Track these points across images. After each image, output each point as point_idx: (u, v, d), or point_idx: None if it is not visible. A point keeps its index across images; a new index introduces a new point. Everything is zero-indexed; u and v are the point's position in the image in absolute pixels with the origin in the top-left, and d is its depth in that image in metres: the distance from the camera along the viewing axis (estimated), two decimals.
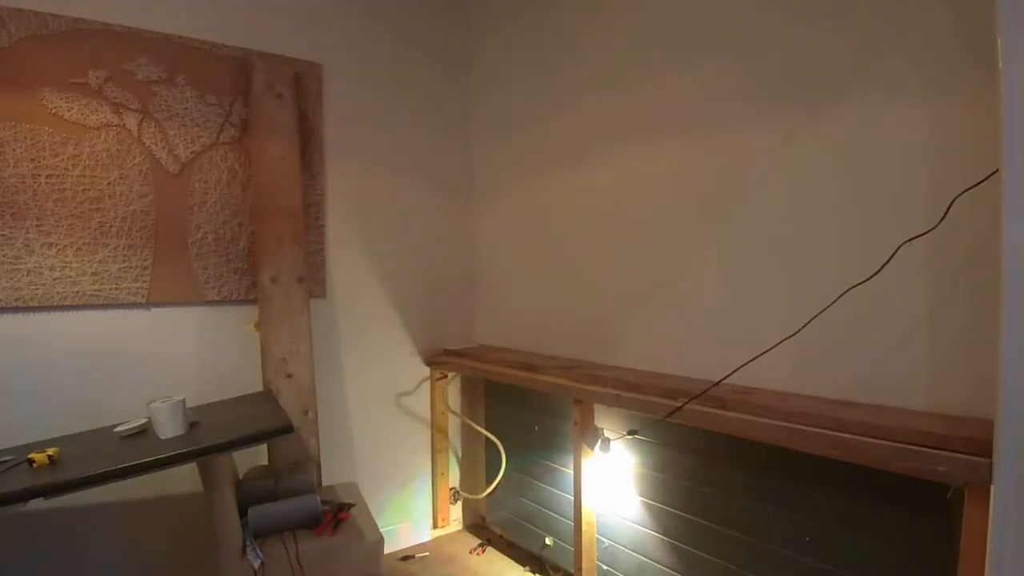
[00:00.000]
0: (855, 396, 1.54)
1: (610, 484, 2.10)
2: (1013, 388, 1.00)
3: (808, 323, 1.52)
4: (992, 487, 1.05)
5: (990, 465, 1.07)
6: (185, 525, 2.12)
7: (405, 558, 2.57)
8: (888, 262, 1.40)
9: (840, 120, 1.56)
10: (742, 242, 1.79)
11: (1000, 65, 1.00)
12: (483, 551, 2.59)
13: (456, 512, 2.88)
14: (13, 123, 1.85)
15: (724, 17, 1.81)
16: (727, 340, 1.81)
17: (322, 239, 2.44)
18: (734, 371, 1.65)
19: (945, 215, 1.32)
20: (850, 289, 1.47)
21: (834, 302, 1.49)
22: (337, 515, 1.89)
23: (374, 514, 2.03)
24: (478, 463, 2.83)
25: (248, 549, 1.69)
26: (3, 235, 1.84)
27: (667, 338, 2.02)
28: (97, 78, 1.97)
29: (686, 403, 1.65)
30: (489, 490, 2.67)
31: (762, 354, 1.60)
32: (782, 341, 1.57)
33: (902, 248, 1.39)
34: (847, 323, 1.53)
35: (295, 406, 2.21)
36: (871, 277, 1.42)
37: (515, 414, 2.55)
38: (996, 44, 1.01)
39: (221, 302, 2.23)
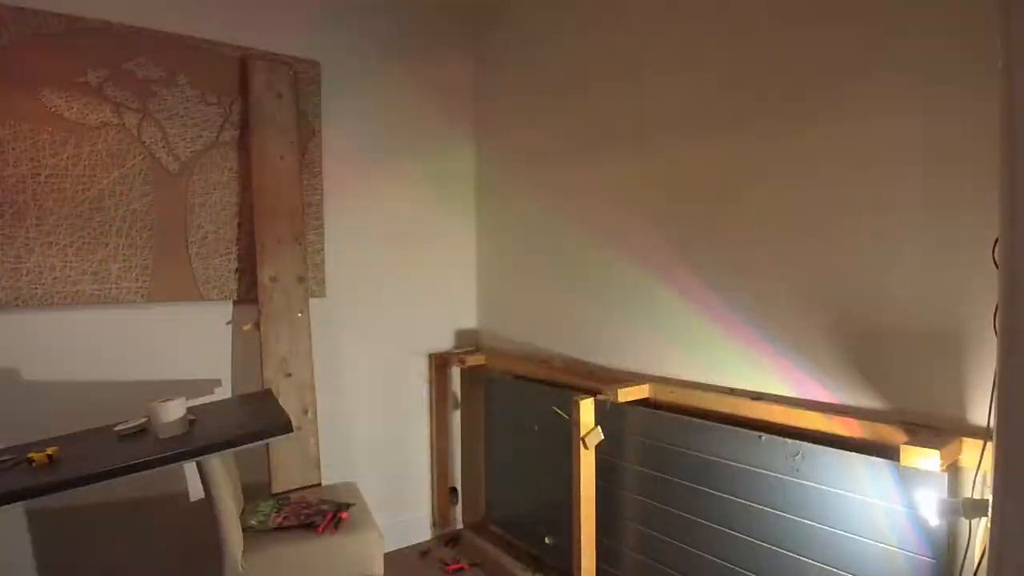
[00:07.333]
0: (854, 397, 1.53)
1: (610, 483, 2.09)
2: (1012, 390, 0.99)
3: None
4: (991, 488, 1.05)
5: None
6: (184, 525, 2.12)
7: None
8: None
9: (855, 119, 1.52)
10: (744, 243, 1.79)
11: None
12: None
13: (456, 511, 2.88)
14: (13, 122, 1.85)
15: (729, 17, 1.81)
16: (728, 342, 1.81)
17: (322, 238, 2.44)
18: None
19: None
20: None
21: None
22: (337, 515, 1.89)
23: (373, 514, 2.03)
24: (478, 462, 2.83)
25: None
26: (3, 235, 1.85)
27: (667, 338, 2.02)
28: (97, 77, 1.97)
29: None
30: (487, 488, 2.66)
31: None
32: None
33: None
34: (847, 323, 1.52)
35: (294, 405, 2.21)
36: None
37: (515, 413, 2.55)
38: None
39: (221, 301, 2.23)
